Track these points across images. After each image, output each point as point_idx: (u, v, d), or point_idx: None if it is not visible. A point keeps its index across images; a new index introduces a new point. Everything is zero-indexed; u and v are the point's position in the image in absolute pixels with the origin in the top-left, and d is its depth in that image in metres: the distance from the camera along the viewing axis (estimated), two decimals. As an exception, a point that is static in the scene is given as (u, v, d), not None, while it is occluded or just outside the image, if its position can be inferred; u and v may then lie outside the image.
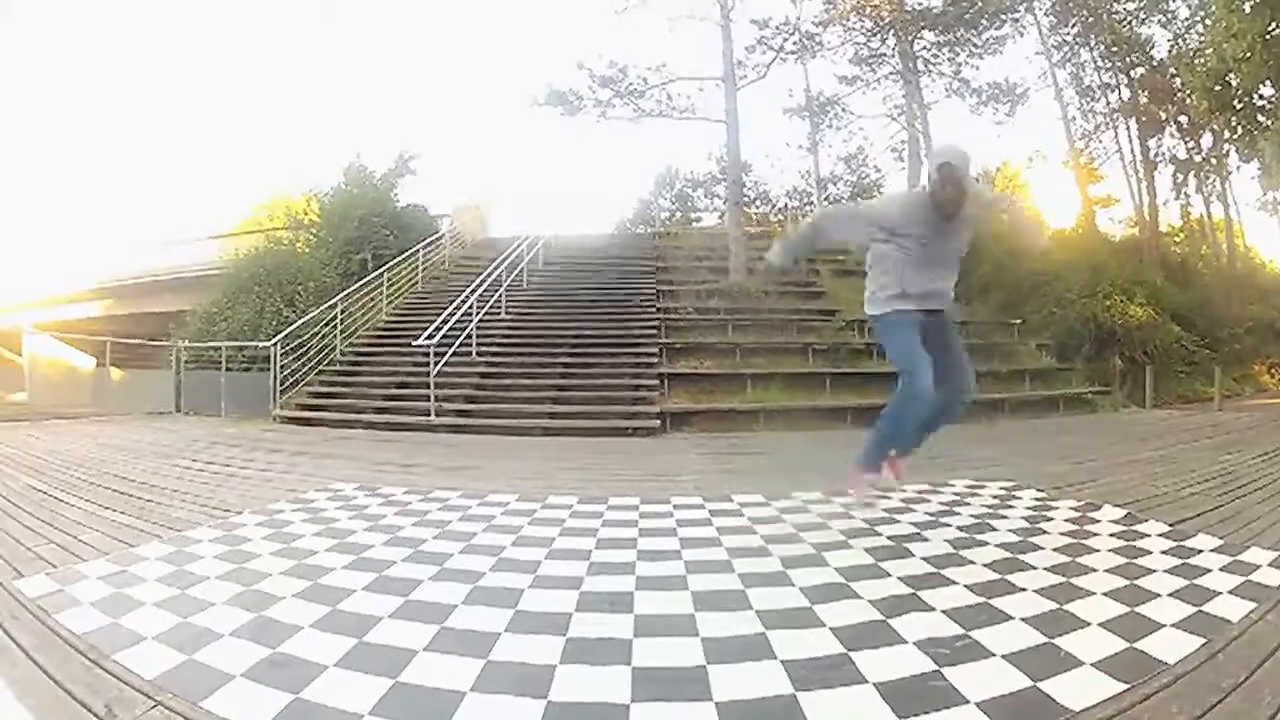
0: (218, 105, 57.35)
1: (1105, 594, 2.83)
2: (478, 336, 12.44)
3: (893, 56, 22.30)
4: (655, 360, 12.09)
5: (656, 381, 11.28)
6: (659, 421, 9.92)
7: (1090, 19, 23.12)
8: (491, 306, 13.89)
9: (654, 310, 14.57)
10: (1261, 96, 15.47)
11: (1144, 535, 3.69)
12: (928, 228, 4.02)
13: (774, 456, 7.65)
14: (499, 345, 12.81)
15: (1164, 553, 3.37)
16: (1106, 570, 3.12)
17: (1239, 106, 16.11)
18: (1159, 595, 2.81)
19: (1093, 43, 23.78)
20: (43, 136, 54.61)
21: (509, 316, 14.21)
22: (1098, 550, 3.43)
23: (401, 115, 53.73)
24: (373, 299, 15.50)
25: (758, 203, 31.83)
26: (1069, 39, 24.20)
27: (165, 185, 58.24)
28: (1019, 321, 15.88)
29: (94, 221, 55.31)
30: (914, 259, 4.08)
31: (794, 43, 22.00)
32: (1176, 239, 25.33)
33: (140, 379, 15.35)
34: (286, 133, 57.39)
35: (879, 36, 22.22)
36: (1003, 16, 21.87)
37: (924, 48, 22.11)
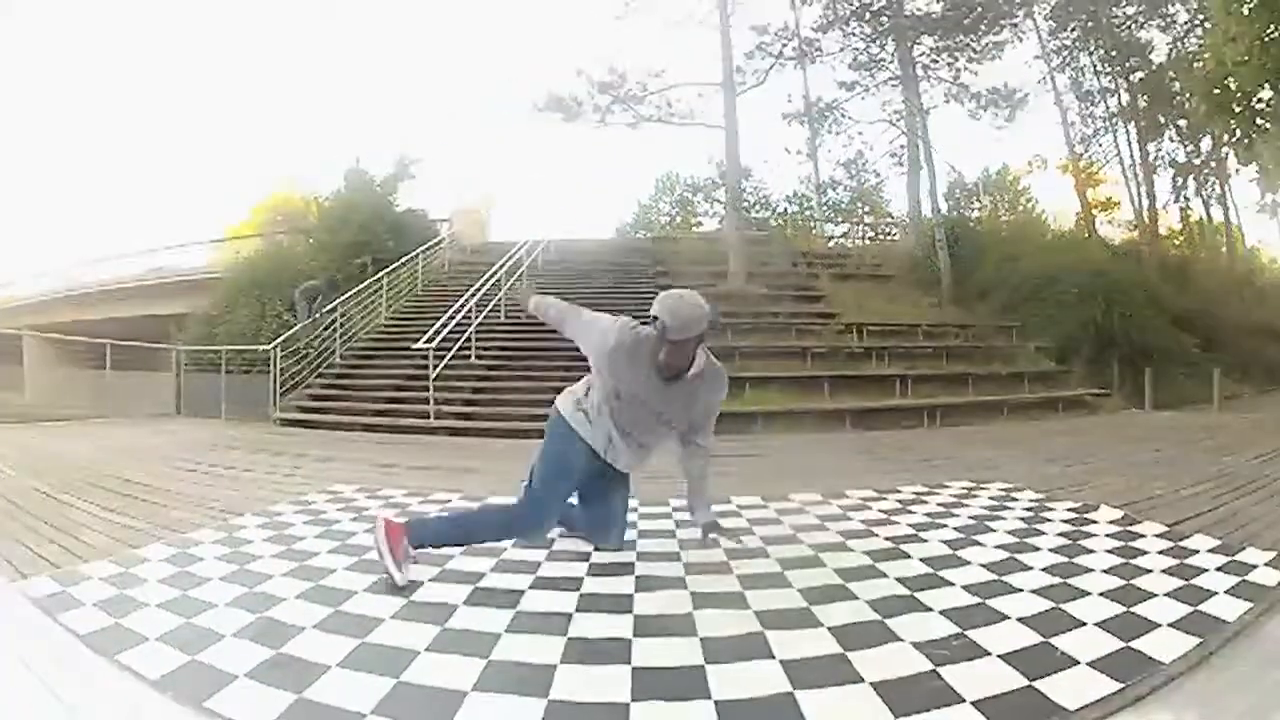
0: (216, 103, 57.18)
1: (1102, 594, 2.85)
2: (477, 340, 12.45)
3: (892, 62, 22.25)
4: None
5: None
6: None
7: (1089, 23, 23.15)
8: (491, 310, 13.87)
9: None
10: (1260, 100, 15.48)
11: (1140, 536, 3.71)
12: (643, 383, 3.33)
13: (771, 459, 7.65)
14: (499, 348, 12.81)
15: (1161, 553, 3.39)
16: (1103, 571, 3.14)
17: (1238, 110, 16.11)
18: (1155, 595, 2.82)
19: (1092, 47, 23.81)
20: (44, 135, 54.46)
21: (509, 320, 14.19)
22: (1094, 551, 3.45)
23: (402, 117, 53.49)
24: (372, 302, 15.50)
25: (758, 208, 31.78)
26: (1068, 44, 24.25)
27: (165, 183, 58.01)
28: (1019, 325, 15.93)
29: (96, 222, 55.17)
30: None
31: (793, 48, 22.01)
32: (1176, 242, 25.32)
33: (140, 381, 15.21)
34: (287, 132, 57.19)
35: (878, 42, 22.18)
36: (1001, 22, 21.90)
37: (923, 53, 22.09)
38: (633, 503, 4.66)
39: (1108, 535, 3.74)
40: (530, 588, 3.06)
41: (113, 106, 54.32)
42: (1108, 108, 24.54)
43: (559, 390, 3.78)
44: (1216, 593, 2.83)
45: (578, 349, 3.60)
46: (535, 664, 2.32)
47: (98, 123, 50.16)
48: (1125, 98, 23.85)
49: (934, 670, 2.20)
